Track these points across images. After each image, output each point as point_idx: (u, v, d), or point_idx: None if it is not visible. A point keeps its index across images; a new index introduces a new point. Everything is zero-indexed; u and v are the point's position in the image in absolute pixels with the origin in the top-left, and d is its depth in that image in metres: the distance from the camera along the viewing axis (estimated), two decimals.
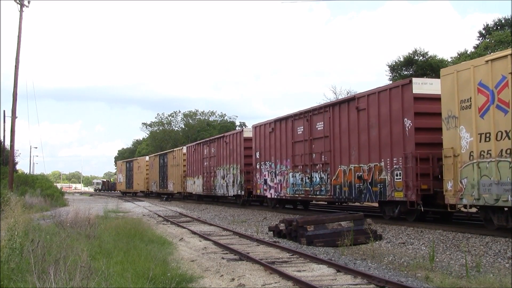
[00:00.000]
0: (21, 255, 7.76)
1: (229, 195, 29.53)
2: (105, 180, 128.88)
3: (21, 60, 32.04)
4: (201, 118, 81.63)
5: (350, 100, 17.36)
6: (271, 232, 15.35)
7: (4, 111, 43.30)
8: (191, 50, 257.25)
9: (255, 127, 25.01)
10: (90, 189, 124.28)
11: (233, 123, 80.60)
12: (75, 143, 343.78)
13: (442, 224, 14.17)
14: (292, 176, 20.78)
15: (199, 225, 19.34)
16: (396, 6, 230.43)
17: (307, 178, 19.63)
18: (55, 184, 64.39)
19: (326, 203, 23.75)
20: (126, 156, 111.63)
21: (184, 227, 18.23)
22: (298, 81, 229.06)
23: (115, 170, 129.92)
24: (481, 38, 42.28)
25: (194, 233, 16.28)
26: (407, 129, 14.43)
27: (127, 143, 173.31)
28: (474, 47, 40.30)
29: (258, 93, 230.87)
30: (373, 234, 12.57)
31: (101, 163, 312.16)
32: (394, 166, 14.87)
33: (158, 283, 7.34)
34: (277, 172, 22.32)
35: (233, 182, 28.14)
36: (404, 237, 13.14)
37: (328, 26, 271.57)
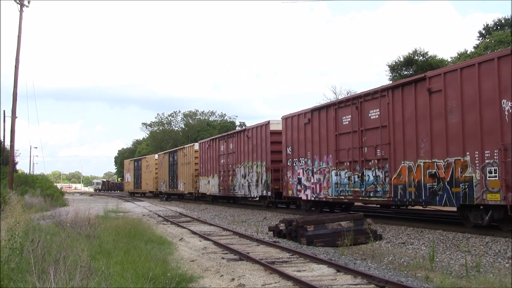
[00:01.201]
0: (21, 255, 7.76)
1: (252, 196, 26.32)
2: (105, 180, 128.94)
3: (21, 60, 32.10)
4: (201, 118, 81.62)
5: (418, 81, 14.18)
6: (271, 232, 15.35)
7: (4, 111, 43.33)
8: (191, 50, 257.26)
9: (285, 119, 21.71)
10: (90, 189, 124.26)
11: (233, 123, 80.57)
12: (75, 143, 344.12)
13: (442, 224, 14.18)
14: (336, 175, 17.80)
15: (199, 225, 19.34)
16: (397, 6, 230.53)
17: (356, 176, 16.71)
18: (55, 184, 64.32)
19: (378, 205, 20.01)
20: (126, 156, 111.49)
21: (184, 227, 18.22)
22: (298, 81, 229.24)
23: (115, 170, 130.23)
24: (481, 38, 42.28)
25: (194, 233, 16.28)
26: (506, 113, 11.50)
27: (127, 143, 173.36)
28: (474, 47, 40.31)
29: (258, 93, 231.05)
30: (373, 234, 12.57)
31: (101, 163, 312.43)
32: (486, 161, 11.92)
33: (158, 283, 7.34)
34: (315, 170, 19.24)
35: (257, 181, 25.04)
36: (404, 237, 13.14)
37: (329, 26, 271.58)
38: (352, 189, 16.99)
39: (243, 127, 67.83)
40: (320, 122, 18.98)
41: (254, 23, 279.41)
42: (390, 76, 42.32)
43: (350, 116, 17.21)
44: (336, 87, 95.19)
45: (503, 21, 41.14)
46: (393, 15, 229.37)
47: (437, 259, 10.21)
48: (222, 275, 9.07)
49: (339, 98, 18.33)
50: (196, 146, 36.91)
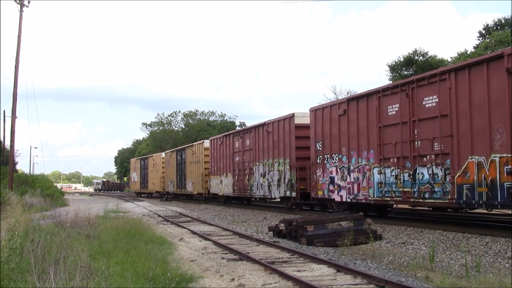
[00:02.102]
0: (21, 255, 7.76)
1: (273, 197, 23.73)
2: (105, 180, 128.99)
3: (21, 60, 32.08)
4: (201, 118, 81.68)
5: (491, 60, 11.99)
6: (271, 232, 15.35)
7: (4, 111, 43.37)
8: (191, 50, 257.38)
9: (314, 110, 19.43)
10: (90, 189, 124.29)
11: (233, 123, 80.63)
12: (75, 143, 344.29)
13: (442, 224, 14.18)
14: (379, 173, 15.53)
15: (199, 225, 19.34)
16: (397, 6, 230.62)
17: (406, 175, 14.43)
18: (55, 184, 64.31)
19: (430, 208, 17.47)
20: (126, 156, 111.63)
21: (184, 227, 18.23)
22: (298, 81, 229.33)
23: (115, 170, 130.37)
24: (481, 38, 42.30)
25: (194, 233, 16.28)
26: None
27: (127, 143, 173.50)
28: (474, 47, 40.33)
29: (258, 93, 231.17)
30: (373, 234, 12.56)
31: (101, 163, 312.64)
32: None
33: (158, 283, 7.34)
34: (351, 167, 16.99)
35: (279, 181, 22.44)
36: (404, 237, 13.14)
37: (329, 26, 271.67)
38: (400, 189, 14.63)
39: (243, 126, 67.86)
40: (358, 113, 16.68)
41: (254, 23, 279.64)
42: (390, 76, 42.36)
43: (397, 105, 14.95)
44: (336, 87, 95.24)
45: (503, 21, 41.16)
46: (393, 15, 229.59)
47: (437, 259, 10.21)
48: (222, 275, 9.07)
49: (383, 85, 16.25)
50: (206, 143, 34.28)
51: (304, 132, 20.52)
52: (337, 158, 17.91)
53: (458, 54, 39.93)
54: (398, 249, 11.84)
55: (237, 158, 27.83)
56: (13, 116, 26.16)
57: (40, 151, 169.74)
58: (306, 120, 20.60)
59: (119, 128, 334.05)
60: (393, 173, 15.01)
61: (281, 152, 22.30)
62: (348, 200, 17.26)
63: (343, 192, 17.50)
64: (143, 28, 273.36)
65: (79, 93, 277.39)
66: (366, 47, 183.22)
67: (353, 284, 8.15)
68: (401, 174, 14.66)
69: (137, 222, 16.99)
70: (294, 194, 21.03)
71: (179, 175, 41.00)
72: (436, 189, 13.36)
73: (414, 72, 38.44)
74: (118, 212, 25.86)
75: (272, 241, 13.65)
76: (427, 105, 13.88)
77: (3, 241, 8.04)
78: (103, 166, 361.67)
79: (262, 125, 24.52)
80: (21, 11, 26.44)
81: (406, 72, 40.16)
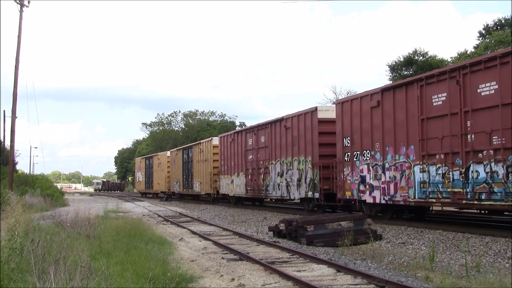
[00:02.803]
0: (21, 255, 7.76)
1: (292, 198, 22.11)
2: (105, 180, 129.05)
3: (21, 60, 32.11)
4: (201, 118, 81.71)
5: None
6: (271, 232, 15.34)
7: (4, 111, 43.29)
8: (191, 50, 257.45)
9: (341, 103, 17.90)
10: (90, 189, 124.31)
11: (233, 123, 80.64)
12: (75, 143, 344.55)
13: (442, 224, 14.18)
14: (422, 171, 13.86)
15: (199, 225, 19.34)
16: (397, 6, 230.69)
17: (456, 173, 12.78)
18: (55, 184, 64.31)
19: (485, 211, 15.14)
20: (126, 156, 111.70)
21: (184, 227, 18.22)
22: (298, 81, 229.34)
23: (115, 170, 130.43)
24: (481, 38, 42.31)
25: (194, 233, 16.28)
26: None
27: (127, 143, 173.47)
28: (474, 47, 40.34)
29: (258, 93, 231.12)
30: (373, 234, 12.57)
31: (101, 163, 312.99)
32: None
33: (158, 283, 7.34)
34: (387, 165, 15.33)
35: (299, 180, 20.63)
36: (404, 237, 13.14)
37: (329, 26, 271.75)
38: (449, 189, 12.90)
39: (243, 126, 67.70)
40: (395, 104, 15.05)
41: (254, 23, 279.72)
42: (390, 76, 42.36)
43: (445, 94, 13.29)
44: (336, 87, 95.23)
45: (503, 21, 41.17)
46: (394, 15, 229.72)
47: (437, 259, 10.21)
48: (222, 275, 9.07)
49: (426, 73, 14.85)
50: (215, 140, 32.37)
51: (328, 127, 18.97)
52: (369, 155, 16.26)
53: (458, 54, 39.95)
54: (398, 249, 11.84)
55: (251, 156, 26.00)
56: (13, 116, 26.16)
57: (40, 151, 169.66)
58: (331, 114, 19.06)
59: (119, 128, 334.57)
60: (440, 171, 13.27)
61: (301, 149, 20.53)
62: (383, 201, 15.54)
63: (377, 193, 15.79)
64: (143, 28, 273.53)
65: (79, 93, 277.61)
66: (366, 47, 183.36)
67: (353, 284, 8.15)
68: (450, 172, 12.91)
69: (137, 222, 16.99)
70: (317, 195, 19.21)
71: (185, 175, 39.21)
72: (496, 189, 11.69)
73: (414, 72, 38.47)
74: (118, 212, 25.85)
75: (272, 241, 13.65)
76: (483, 93, 12.23)
77: (3, 241, 8.04)
78: (103, 166, 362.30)
79: (280, 120, 22.60)
80: (21, 11, 26.44)
81: (406, 72, 40.17)
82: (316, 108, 19.87)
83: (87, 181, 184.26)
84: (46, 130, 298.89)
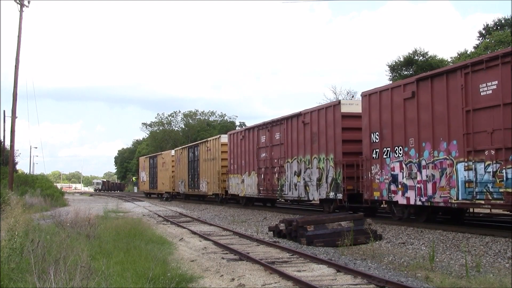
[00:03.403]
0: (21, 255, 7.76)
1: (310, 199, 20.54)
2: (105, 180, 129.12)
3: (21, 60, 32.11)
4: (201, 118, 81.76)
5: None
6: (271, 232, 15.35)
7: (4, 111, 43.33)
8: (191, 50, 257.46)
9: (369, 95, 16.36)
10: (90, 189, 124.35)
11: (233, 123, 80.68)
12: (75, 143, 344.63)
13: (442, 224, 14.18)
14: (467, 169, 12.47)
15: (199, 225, 19.34)
16: (397, 6, 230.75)
17: (510, 171, 11.39)
18: (55, 184, 64.30)
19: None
20: (126, 156, 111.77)
21: (184, 227, 18.23)
22: (298, 81, 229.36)
23: (115, 170, 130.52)
24: (481, 38, 42.33)
25: (194, 233, 16.29)
26: None
27: (127, 143, 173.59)
28: (474, 47, 40.36)
29: (258, 93, 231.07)
30: (373, 234, 12.57)
31: (101, 163, 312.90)
32: None
33: (158, 283, 7.34)
34: (423, 163, 13.94)
35: (319, 180, 19.08)
36: (404, 237, 13.14)
37: (329, 26, 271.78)
38: (502, 189, 11.54)
39: (243, 126, 67.52)
40: (433, 95, 13.65)
41: (254, 23, 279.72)
42: (390, 76, 42.38)
43: (496, 82, 11.88)
44: (336, 87, 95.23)
45: (503, 21, 41.18)
46: (394, 15, 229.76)
47: (437, 259, 10.21)
48: (222, 275, 9.07)
49: (472, 59, 13.57)
50: (224, 138, 30.85)
51: (353, 122, 17.60)
52: (401, 152, 14.86)
53: (458, 54, 39.97)
54: (398, 249, 11.85)
55: (263, 155, 24.36)
56: (13, 116, 26.18)
57: (40, 151, 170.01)
58: (355, 109, 17.78)
59: (119, 128, 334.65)
60: (489, 169, 11.89)
61: (322, 146, 18.99)
62: (419, 202, 14.10)
63: (411, 193, 14.37)
64: (143, 28, 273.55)
65: (79, 93, 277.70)
66: (366, 47, 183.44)
67: (353, 284, 8.15)
68: (503, 171, 11.53)
69: (137, 222, 16.99)
70: (339, 195, 17.70)
71: (191, 174, 37.64)
72: None
73: (414, 72, 38.49)
74: (118, 212, 25.86)
75: (272, 241, 13.66)
76: None
77: (3, 241, 8.04)
78: (103, 166, 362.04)
79: (297, 115, 21.03)
80: (21, 11, 26.46)
81: (406, 72, 40.19)
82: (339, 102, 18.43)
83: (87, 181, 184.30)
84: (46, 130, 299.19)
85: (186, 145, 41.27)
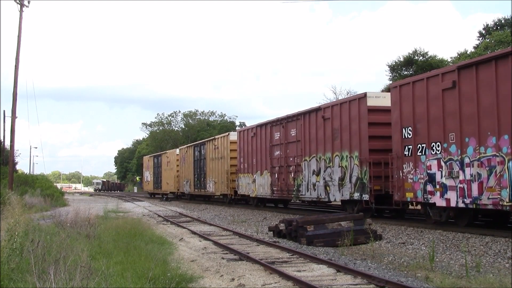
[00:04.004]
0: (21, 255, 7.76)
1: (331, 200, 18.97)
2: (105, 180, 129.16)
3: (21, 60, 32.11)
4: (201, 118, 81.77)
5: None
6: (271, 232, 15.35)
7: (4, 111, 43.36)
8: (191, 50, 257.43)
9: (399, 86, 15.01)
10: (90, 189, 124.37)
11: (233, 123, 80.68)
12: (75, 143, 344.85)
13: (442, 224, 14.17)
14: None
15: (199, 225, 19.34)
16: (398, 6, 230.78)
17: None
18: (55, 184, 64.28)
19: None
20: (126, 156, 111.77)
21: (184, 227, 18.23)
22: (298, 81, 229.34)
23: (115, 170, 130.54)
24: (481, 38, 42.34)
25: (194, 233, 16.29)
26: None
27: (127, 143, 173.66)
28: (474, 47, 40.37)
29: (258, 93, 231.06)
30: (373, 234, 12.57)
31: (101, 163, 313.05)
32: None
33: (158, 283, 7.35)
34: (466, 160, 12.58)
35: (342, 179, 17.71)
36: (404, 237, 13.14)
37: (329, 26, 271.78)
38: None
39: (243, 126, 67.37)
40: (479, 85, 12.28)
41: (255, 23, 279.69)
42: (390, 76, 42.40)
43: None
44: (336, 87, 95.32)
45: (503, 21, 41.19)
46: (394, 15, 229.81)
47: (437, 259, 10.21)
48: (222, 275, 9.08)
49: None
50: (233, 136, 29.46)
51: (380, 117, 16.37)
52: (439, 148, 13.50)
53: (458, 54, 39.98)
54: (398, 249, 11.85)
55: (277, 153, 22.88)
56: (13, 116, 26.18)
57: (40, 151, 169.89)
58: (382, 102, 16.53)
59: (119, 128, 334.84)
60: None
61: (345, 143, 17.61)
62: (461, 205, 12.67)
63: (451, 194, 12.99)
64: (143, 28, 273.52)
65: (79, 93, 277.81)
66: (366, 47, 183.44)
67: (353, 284, 8.15)
68: None
69: (137, 222, 16.99)
70: (366, 196, 16.32)
71: (197, 174, 36.11)
72: None
73: (414, 72, 38.48)
74: (118, 212, 25.86)
75: (272, 241, 13.66)
76: None
77: (3, 241, 8.04)
78: (103, 166, 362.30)
79: (316, 110, 19.69)
80: (21, 11, 26.45)
81: (406, 72, 40.21)
82: (365, 94, 16.80)
83: (87, 181, 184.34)
84: (46, 130, 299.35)
85: (192, 144, 39.63)
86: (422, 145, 14.16)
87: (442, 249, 11.24)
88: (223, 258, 10.95)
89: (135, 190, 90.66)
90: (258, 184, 25.06)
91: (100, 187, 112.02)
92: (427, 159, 13.93)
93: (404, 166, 14.80)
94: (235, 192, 28.77)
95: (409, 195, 14.55)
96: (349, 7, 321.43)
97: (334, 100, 38.30)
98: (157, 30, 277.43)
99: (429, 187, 13.79)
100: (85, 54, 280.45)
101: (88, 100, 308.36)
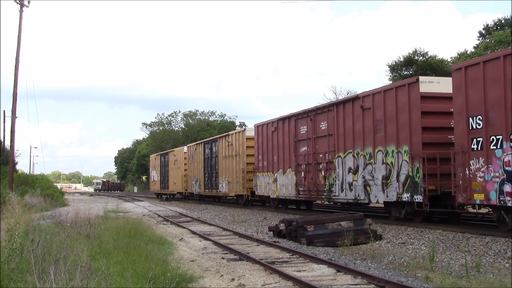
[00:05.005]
0: (21, 255, 7.76)
1: (373, 201, 16.51)
2: (105, 180, 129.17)
3: (21, 60, 32.08)
4: (201, 118, 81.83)
5: None
6: (271, 232, 15.35)
7: (4, 111, 43.31)
8: (191, 50, 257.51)
9: (464, 68, 12.67)
10: (90, 189, 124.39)
11: (233, 123, 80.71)
12: (75, 143, 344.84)
13: (442, 224, 14.17)
14: None
15: (199, 225, 19.35)
16: (398, 6, 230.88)
17: None
18: (55, 184, 64.23)
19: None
20: (126, 156, 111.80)
21: (184, 227, 18.23)
22: (298, 81, 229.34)
23: (115, 170, 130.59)
24: (481, 38, 42.34)
25: (194, 233, 16.29)
26: None
27: (127, 143, 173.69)
28: (474, 47, 40.37)
29: (258, 93, 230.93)
30: (373, 234, 12.58)
31: (101, 163, 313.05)
32: None
33: (158, 283, 7.35)
34: None
35: (387, 178, 15.43)
36: (404, 237, 13.15)
37: (330, 26, 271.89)
38: None
39: (243, 126, 67.36)
40: None
41: (255, 23, 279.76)
42: (390, 76, 42.39)
43: None
44: (336, 87, 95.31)
45: (503, 21, 41.19)
46: (394, 15, 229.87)
47: (437, 259, 10.22)
48: (222, 275, 9.08)
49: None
50: (249, 131, 27.08)
51: (434, 105, 14.35)
52: None
53: (458, 54, 39.98)
54: (398, 249, 11.85)
55: (304, 149, 20.60)
56: (13, 116, 26.18)
57: (40, 151, 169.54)
58: (437, 88, 14.53)
59: (119, 128, 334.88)
60: None
61: (390, 136, 15.43)
62: None
63: None
64: (143, 28, 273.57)
65: (79, 93, 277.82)
66: (366, 47, 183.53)
67: (353, 284, 8.16)
68: None
69: (137, 222, 16.99)
70: (418, 197, 14.06)
71: (207, 173, 33.72)
72: None
73: (414, 72, 38.47)
74: (118, 212, 25.87)
75: (272, 241, 13.66)
76: None
77: (3, 241, 8.04)
78: (103, 166, 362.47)
79: (352, 99, 17.62)
80: (21, 11, 26.45)
81: (406, 72, 40.20)
82: (417, 79, 14.62)
83: (87, 181, 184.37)
84: (46, 130, 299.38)
85: (202, 140, 37.30)
86: (498, 137, 11.75)
87: (442, 249, 11.25)
88: (223, 258, 10.95)
89: (135, 190, 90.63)
90: (280, 183, 22.72)
91: (100, 187, 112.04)
92: (504, 154, 11.50)
93: (471, 162, 12.45)
94: (252, 193, 26.42)
95: (478, 197, 12.15)
96: (350, 7, 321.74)
97: (334, 100, 38.00)
98: (157, 30, 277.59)
99: (508, 188, 11.40)
100: (85, 54, 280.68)
101: (88, 100, 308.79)
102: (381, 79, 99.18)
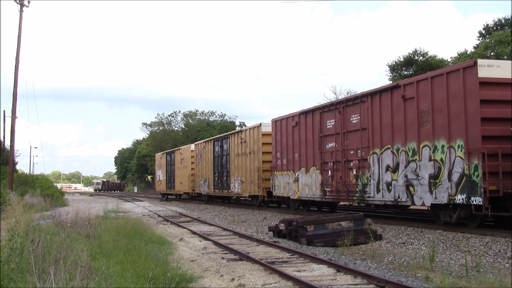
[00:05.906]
0: (21, 255, 7.77)
1: (417, 203, 14.32)
2: (105, 180, 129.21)
3: (21, 60, 32.10)
4: (201, 118, 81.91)
5: None
6: (271, 232, 15.35)
7: (4, 111, 43.38)
8: (191, 50, 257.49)
9: None
10: (90, 189, 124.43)
11: (233, 123, 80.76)
12: (75, 143, 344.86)
13: (442, 224, 14.17)
14: None
15: (199, 225, 19.35)
16: (398, 6, 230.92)
17: None
18: (55, 184, 64.27)
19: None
20: (126, 156, 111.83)
21: (184, 227, 18.23)
22: (298, 81, 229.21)
23: (115, 170, 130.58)
24: (481, 38, 42.34)
25: (194, 233, 16.29)
26: None
27: (127, 143, 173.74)
28: (474, 47, 40.38)
29: (258, 93, 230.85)
30: (373, 234, 12.57)
31: (101, 163, 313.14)
32: None
33: (158, 283, 7.35)
34: None
35: (436, 177, 13.47)
36: (404, 237, 13.15)
37: (330, 26, 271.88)
38: None
39: (243, 126, 67.26)
40: None
41: (255, 23, 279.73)
42: (390, 76, 42.40)
43: None
44: (336, 87, 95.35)
45: (503, 21, 41.20)
46: (394, 15, 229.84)
47: (437, 259, 10.22)
48: (222, 275, 9.08)
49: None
50: (266, 127, 24.93)
51: (496, 92, 12.46)
52: None
53: (458, 54, 39.99)
54: (398, 249, 11.85)
55: (331, 145, 18.56)
56: (13, 116, 26.19)
57: (40, 151, 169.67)
58: (498, 72, 12.66)
59: (119, 128, 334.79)
60: None
61: (440, 129, 13.48)
62: None
63: None
64: (143, 28, 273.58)
65: (79, 93, 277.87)
66: (366, 47, 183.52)
67: (353, 284, 8.16)
68: None
69: (137, 222, 17.00)
70: (477, 199, 12.12)
71: (218, 172, 31.71)
72: None
73: (414, 72, 38.48)
74: (118, 212, 25.87)
75: (272, 241, 13.66)
76: None
77: (3, 241, 8.05)
78: (103, 166, 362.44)
79: (391, 88, 15.66)
80: (21, 11, 26.46)
81: (406, 72, 40.21)
82: (474, 62, 12.67)
83: (87, 181, 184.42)
84: (46, 130, 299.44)
85: (211, 138, 35.38)
86: None
87: (442, 249, 11.25)
88: (223, 258, 10.95)
89: (135, 190, 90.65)
90: (303, 183, 20.58)
91: (100, 187, 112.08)
92: None
93: None
94: (268, 193, 24.45)
95: None
96: (350, 7, 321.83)
97: (334, 99, 37.80)
98: (156, 30, 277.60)
99: None
100: (84, 54, 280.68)
101: (88, 100, 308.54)
102: (381, 79, 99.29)
